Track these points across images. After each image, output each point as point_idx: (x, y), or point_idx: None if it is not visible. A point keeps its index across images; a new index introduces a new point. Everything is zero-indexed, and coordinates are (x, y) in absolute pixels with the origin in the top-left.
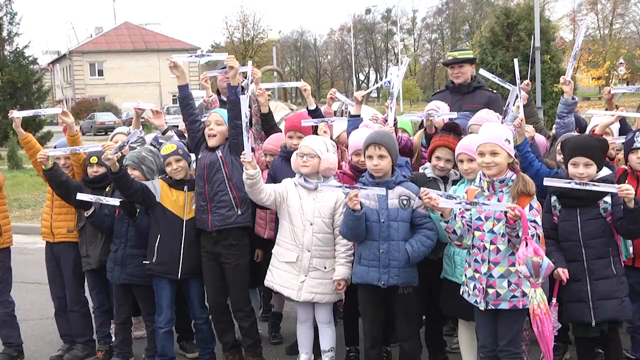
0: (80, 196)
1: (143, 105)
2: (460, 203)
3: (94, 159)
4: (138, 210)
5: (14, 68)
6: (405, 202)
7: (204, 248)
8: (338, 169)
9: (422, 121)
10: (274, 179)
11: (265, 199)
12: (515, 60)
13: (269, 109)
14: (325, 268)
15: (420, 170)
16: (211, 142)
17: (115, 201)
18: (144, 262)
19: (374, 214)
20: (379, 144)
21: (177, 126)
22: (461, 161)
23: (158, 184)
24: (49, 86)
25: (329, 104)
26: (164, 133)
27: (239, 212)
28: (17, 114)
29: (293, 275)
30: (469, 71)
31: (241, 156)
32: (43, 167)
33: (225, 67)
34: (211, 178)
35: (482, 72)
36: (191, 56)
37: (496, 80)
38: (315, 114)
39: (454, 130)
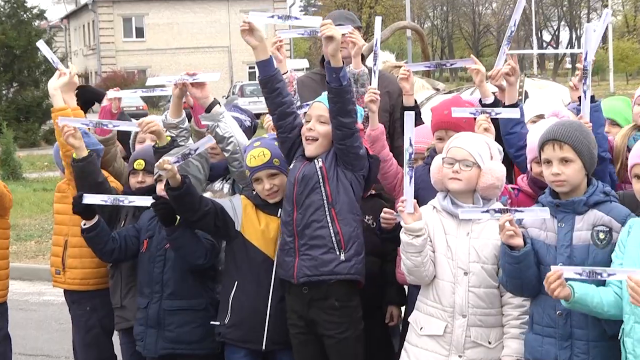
0: (88, 199)
1: (204, 76)
2: None
3: (139, 164)
4: (179, 218)
5: (10, 25)
6: (602, 235)
7: (291, 311)
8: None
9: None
10: (415, 196)
11: (432, 268)
12: None
13: (415, 100)
14: (490, 343)
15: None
16: (309, 149)
17: (144, 201)
18: (212, 322)
19: (550, 254)
20: (560, 142)
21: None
22: (637, 177)
23: (239, 204)
24: (63, 53)
25: (509, 82)
26: (208, 110)
27: (342, 258)
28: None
29: (441, 357)
30: None
31: (399, 207)
32: (74, 155)
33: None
34: (302, 200)
35: None
36: (273, 16)
37: None
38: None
39: None
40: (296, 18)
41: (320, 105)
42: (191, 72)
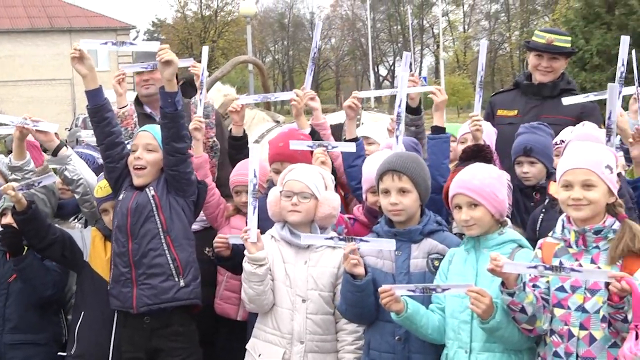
0: None
1: (45, 125)
2: (535, 268)
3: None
4: (26, 248)
5: None
6: (437, 263)
7: (130, 344)
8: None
9: None
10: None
11: (272, 297)
12: (625, 40)
13: (244, 129)
14: None
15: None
16: (138, 179)
17: None
18: (59, 353)
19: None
20: (399, 173)
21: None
22: (458, 207)
23: (89, 235)
24: None
25: (350, 117)
26: (55, 153)
27: (182, 284)
28: None
29: None
30: (562, 68)
31: (242, 234)
32: None
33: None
34: (137, 230)
35: (566, 100)
36: (106, 43)
37: (589, 98)
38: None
39: (479, 155)
40: (131, 43)
41: (146, 134)
42: (34, 119)
